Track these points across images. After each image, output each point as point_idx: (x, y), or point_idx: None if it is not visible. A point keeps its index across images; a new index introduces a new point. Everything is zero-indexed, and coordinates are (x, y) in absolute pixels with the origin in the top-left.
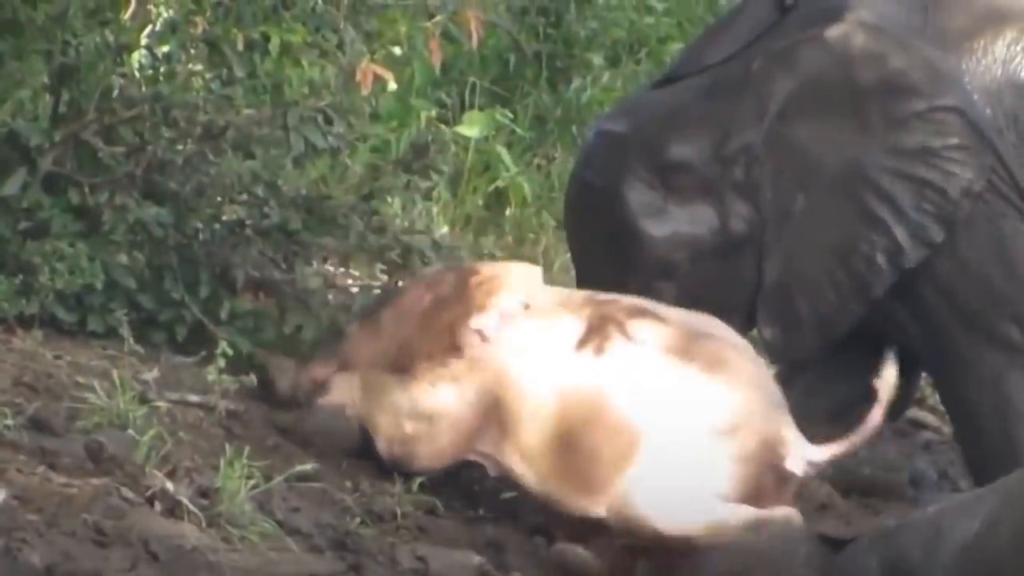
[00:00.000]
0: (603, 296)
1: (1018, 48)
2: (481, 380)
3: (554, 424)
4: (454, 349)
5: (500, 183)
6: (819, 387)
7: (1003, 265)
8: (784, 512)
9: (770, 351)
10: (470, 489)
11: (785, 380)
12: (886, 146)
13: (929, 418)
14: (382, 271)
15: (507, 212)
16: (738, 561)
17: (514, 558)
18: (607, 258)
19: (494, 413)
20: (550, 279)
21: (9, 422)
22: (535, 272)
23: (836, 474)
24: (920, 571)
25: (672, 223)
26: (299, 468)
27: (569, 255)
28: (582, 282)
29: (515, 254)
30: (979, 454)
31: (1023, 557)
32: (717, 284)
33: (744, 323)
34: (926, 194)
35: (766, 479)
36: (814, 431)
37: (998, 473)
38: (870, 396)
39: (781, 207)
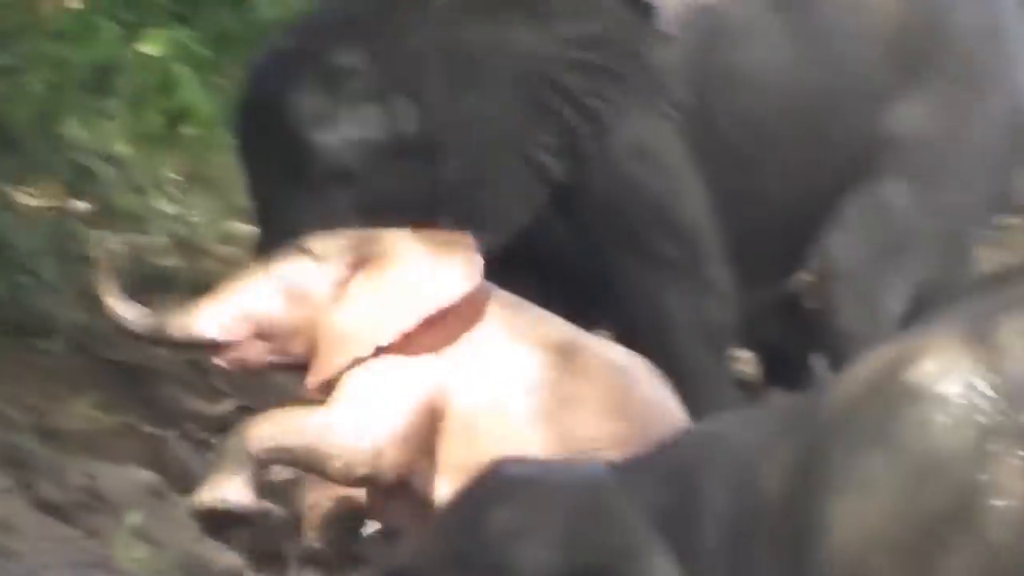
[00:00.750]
0: None
1: None
2: None
3: None
4: None
5: (180, 102)
6: None
7: (660, 178)
8: None
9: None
10: (150, 403)
11: None
12: (556, 37)
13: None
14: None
15: (187, 131)
16: None
17: (191, 478)
18: (280, 172)
19: None
20: (227, 199)
21: None
22: None
23: None
24: None
25: (343, 129)
26: None
27: None
28: (255, 201)
29: (194, 173)
30: None
31: None
32: (395, 187)
33: (425, 223)
34: (598, 81)
35: None
36: None
37: None
38: None
39: (453, 105)
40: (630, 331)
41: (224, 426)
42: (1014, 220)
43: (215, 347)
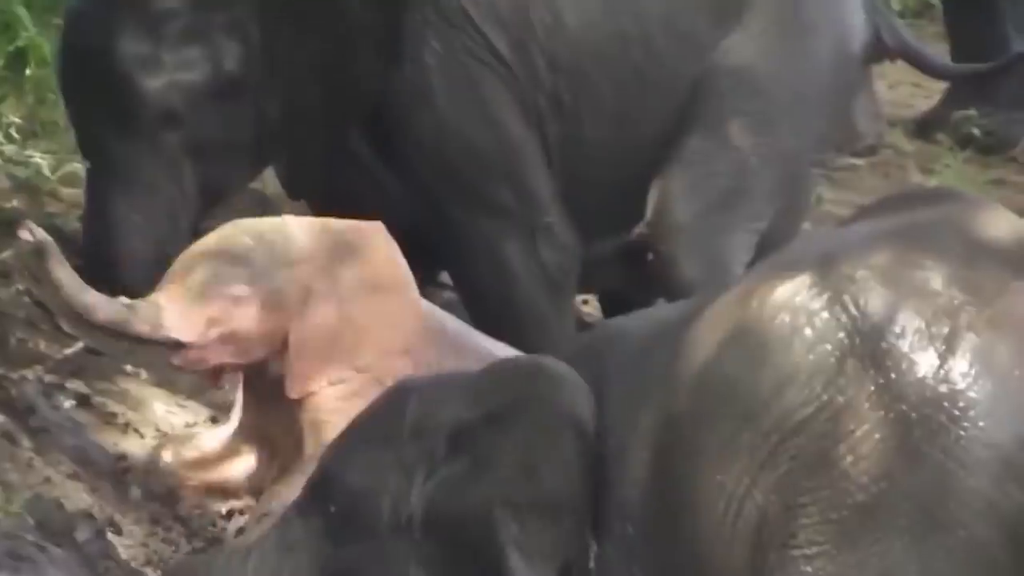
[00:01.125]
0: None
1: None
2: None
3: None
4: None
5: (20, 43)
6: None
7: (486, 126)
8: None
9: (284, 186)
10: None
11: None
12: None
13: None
14: None
15: (27, 72)
16: None
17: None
18: (107, 118)
19: None
20: (70, 140)
21: None
22: None
23: None
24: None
25: (166, 72)
26: None
27: None
28: (84, 147)
29: (34, 114)
30: (484, 320)
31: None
32: (221, 128)
33: (254, 163)
34: (393, 10)
35: None
36: None
37: (502, 338)
38: None
39: (268, 42)
40: (470, 280)
41: (73, 369)
42: (859, 161)
43: (178, 346)
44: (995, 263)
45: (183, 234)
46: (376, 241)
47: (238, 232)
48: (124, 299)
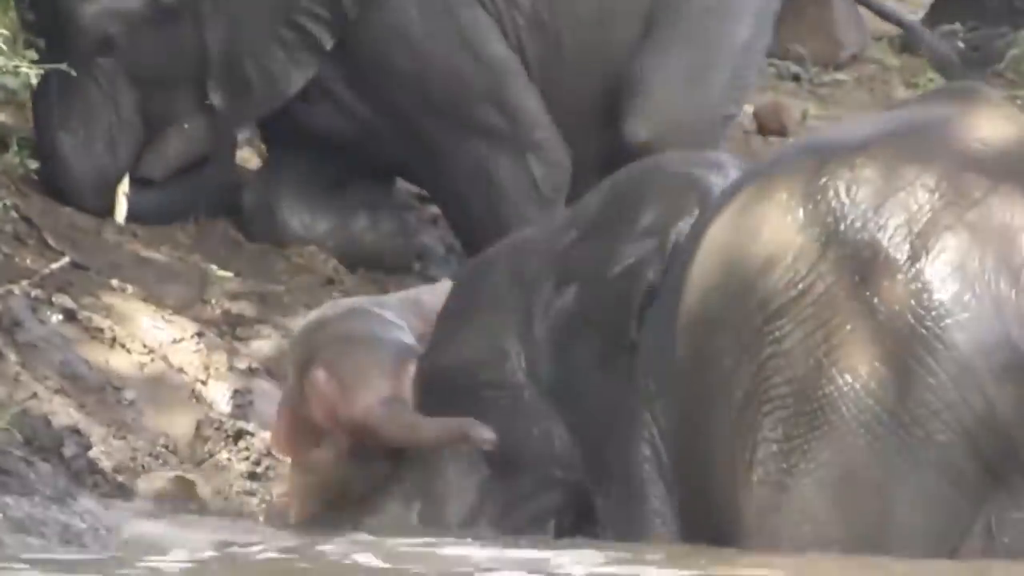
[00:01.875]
0: None
1: None
2: None
3: None
4: None
5: None
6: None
7: (467, 52)
8: None
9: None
10: None
11: None
12: None
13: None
14: None
15: None
16: None
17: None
18: (49, 41)
19: None
20: None
21: None
22: None
23: (341, 246)
24: None
25: None
26: None
27: None
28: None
29: (20, 26)
30: (471, 238)
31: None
32: (160, 56)
33: (196, 94)
34: None
35: None
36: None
37: None
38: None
39: None
40: (460, 206)
41: (60, 283)
42: (843, 76)
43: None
44: (987, 166)
45: (123, 161)
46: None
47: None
48: None
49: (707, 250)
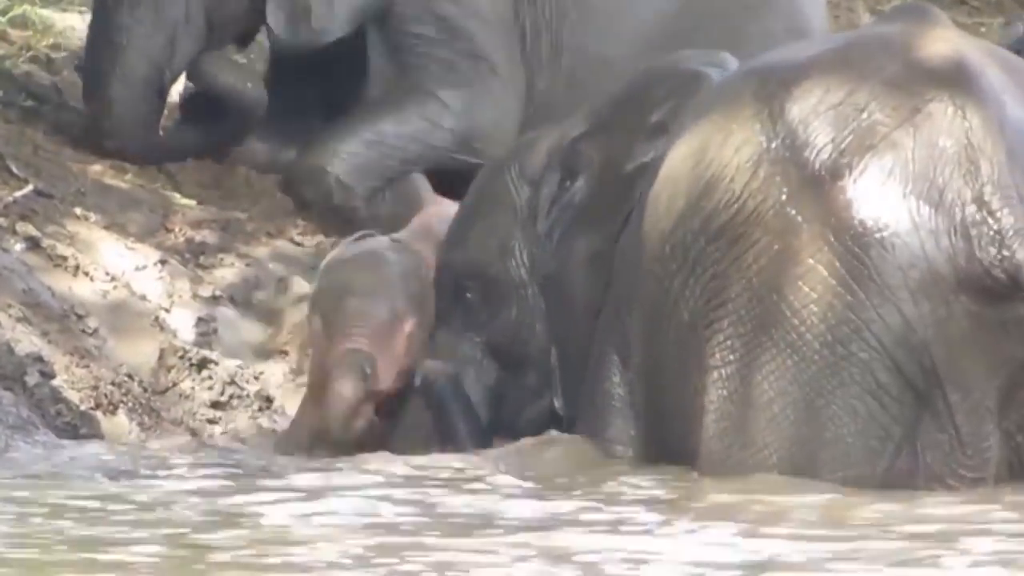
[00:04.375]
0: None
1: None
2: None
3: None
4: None
5: None
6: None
7: (455, 4)
8: None
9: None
10: None
11: None
12: None
13: None
14: None
15: None
16: None
17: None
18: None
19: None
20: None
21: None
22: None
23: None
24: None
25: None
26: None
27: None
28: None
29: None
30: None
31: None
32: None
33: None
34: None
35: None
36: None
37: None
38: None
39: None
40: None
41: (23, 211)
42: None
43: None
44: (917, 86)
45: (180, 60)
46: None
47: None
48: None
49: (666, 168)
